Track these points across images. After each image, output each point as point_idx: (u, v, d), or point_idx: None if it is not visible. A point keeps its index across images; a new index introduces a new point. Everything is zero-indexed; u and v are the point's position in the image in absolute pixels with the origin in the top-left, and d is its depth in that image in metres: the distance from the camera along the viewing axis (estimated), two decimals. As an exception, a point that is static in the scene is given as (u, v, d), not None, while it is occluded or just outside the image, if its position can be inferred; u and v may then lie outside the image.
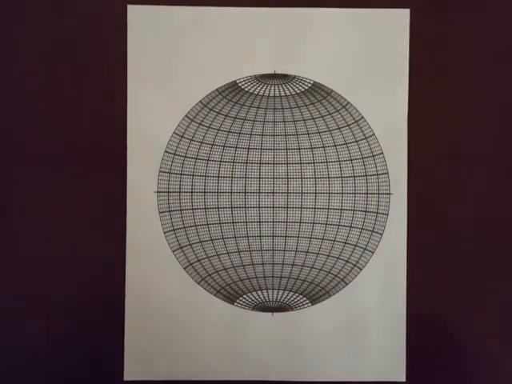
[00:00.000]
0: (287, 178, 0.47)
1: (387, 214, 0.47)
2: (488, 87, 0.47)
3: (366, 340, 0.47)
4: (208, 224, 0.47)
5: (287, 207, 0.47)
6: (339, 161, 0.47)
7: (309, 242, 0.47)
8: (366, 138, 0.47)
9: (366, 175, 0.47)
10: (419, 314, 0.47)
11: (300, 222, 0.47)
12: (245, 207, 0.46)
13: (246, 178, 0.47)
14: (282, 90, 0.47)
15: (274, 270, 0.47)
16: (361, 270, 0.47)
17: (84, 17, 0.47)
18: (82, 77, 0.47)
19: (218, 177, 0.47)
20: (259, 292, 0.47)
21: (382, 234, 0.47)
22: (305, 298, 0.47)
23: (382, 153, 0.47)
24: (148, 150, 0.47)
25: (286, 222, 0.47)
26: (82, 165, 0.47)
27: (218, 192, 0.47)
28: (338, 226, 0.47)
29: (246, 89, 0.47)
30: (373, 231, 0.47)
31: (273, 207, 0.47)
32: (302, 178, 0.47)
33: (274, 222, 0.47)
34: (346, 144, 0.47)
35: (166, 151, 0.47)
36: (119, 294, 0.46)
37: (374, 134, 0.47)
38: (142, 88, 0.47)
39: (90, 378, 0.47)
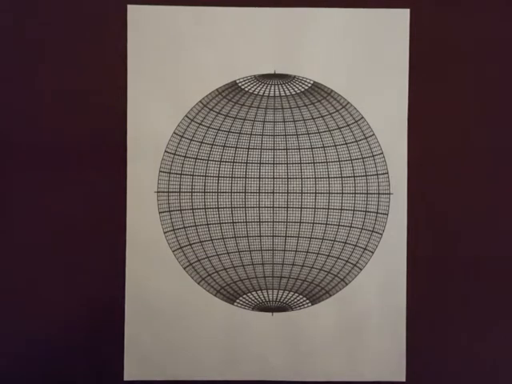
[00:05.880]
0: (287, 178, 0.47)
1: (387, 214, 0.47)
2: (488, 87, 0.47)
3: (365, 340, 0.47)
4: (208, 224, 0.47)
5: (287, 207, 0.47)
6: (339, 161, 0.47)
7: (309, 242, 0.47)
8: (365, 138, 0.47)
9: (365, 175, 0.47)
10: (419, 314, 0.47)
11: (300, 222, 0.47)
12: (245, 207, 0.46)
13: (246, 177, 0.47)
14: (282, 89, 0.47)
15: (274, 270, 0.47)
16: (361, 270, 0.47)
17: (84, 17, 0.47)
18: (82, 77, 0.47)
19: (218, 177, 0.47)
20: (259, 292, 0.47)
21: (381, 234, 0.47)
22: (305, 298, 0.47)
23: (382, 153, 0.47)
24: (148, 150, 0.47)
25: (286, 222, 0.47)
26: (81, 165, 0.47)
27: (218, 192, 0.47)
28: (338, 225, 0.47)
29: (246, 89, 0.47)
30: (373, 231, 0.47)
31: (273, 207, 0.46)
32: (301, 178, 0.47)
33: (273, 222, 0.47)
34: (346, 144, 0.47)
35: (165, 151, 0.47)
36: (119, 294, 0.46)
37: (373, 134, 0.47)
38: (141, 88, 0.47)
39: (90, 377, 0.47)
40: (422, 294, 0.47)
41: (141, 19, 0.47)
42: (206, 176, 0.47)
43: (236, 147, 0.47)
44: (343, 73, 0.47)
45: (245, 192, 0.47)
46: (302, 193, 0.47)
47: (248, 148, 0.47)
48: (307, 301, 0.47)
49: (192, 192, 0.47)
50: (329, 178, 0.47)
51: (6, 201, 0.47)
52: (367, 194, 0.47)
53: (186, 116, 0.47)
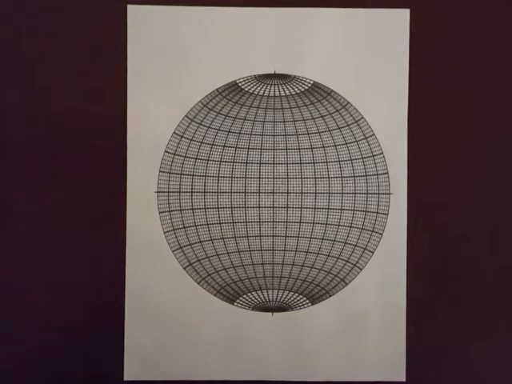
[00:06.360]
0: (287, 178, 0.47)
1: (387, 214, 0.47)
2: (488, 87, 0.47)
3: (366, 340, 0.47)
4: (208, 224, 0.47)
5: (287, 207, 0.47)
6: (339, 161, 0.47)
7: (309, 242, 0.47)
8: (365, 138, 0.47)
9: (365, 175, 0.47)
10: (419, 313, 0.47)
11: (300, 222, 0.47)
12: (245, 207, 0.46)
13: (245, 177, 0.47)
14: (281, 89, 0.47)
15: (274, 270, 0.47)
16: (361, 269, 0.47)
17: (84, 17, 0.47)
18: (82, 77, 0.47)
19: (218, 177, 0.47)
20: (259, 292, 0.47)
21: (381, 234, 0.47)
22: (305, 298, 0.47)
23: (382, 153, 0.47)
24: (148, 150, 0.47)
25: (286, 222, 0.47)
26: (81, 165, 0.47)
27: (218, 192, 0.47)
28: (338, 225, 0.47)
29: (246, 89, 0.47)
30: (373, 231, 0.47)
31: (273, 207, 0.47)
32: (301, 178, 0.47)
33: (273, 221, 0.47)
34: (346, 144, 0.47)
35: (165, 151, 0.47)
36: (119, 293, 0.46)
37: (373, 134, 0.47)
38: (141, 88, 0.47)
39: (90, 377, 0.47)
40: (422, 294, 0.47)
41: (141, 19, 0.47)
42: (205, 176, 0.47)
43: (236, 147, 0.47)
44: (343, 73, 0.47)
45: (245, 192, 0.47)
46: (301, 193, 0.47)
47: (248, 148, 0.47)
48: (307, 301, 0.47)
49: (192, 192, 0.47)
50: (329, 178, 0.47)
51: (6, 201, 0.47)
52: (367, 194, 0.47)
53: (186, 116, 0.47)
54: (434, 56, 0.47)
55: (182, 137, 0.47)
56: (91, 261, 0.46)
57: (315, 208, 0.47)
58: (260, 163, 0.47)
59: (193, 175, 0.47)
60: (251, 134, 0.47)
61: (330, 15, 0.47)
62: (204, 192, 0.47)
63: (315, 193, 0.47)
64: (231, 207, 0.46)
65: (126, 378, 0.47)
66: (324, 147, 0.47)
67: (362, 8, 0.47)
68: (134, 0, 0.47)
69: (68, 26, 0.47)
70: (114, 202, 0.46)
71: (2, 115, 0.47)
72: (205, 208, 0.47)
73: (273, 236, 0.47)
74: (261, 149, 0.47)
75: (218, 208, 0.47)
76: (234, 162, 0.47)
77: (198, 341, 0.47)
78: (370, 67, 0.47)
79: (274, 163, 0.47)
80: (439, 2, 0.47)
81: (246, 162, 0.47)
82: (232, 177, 0.47)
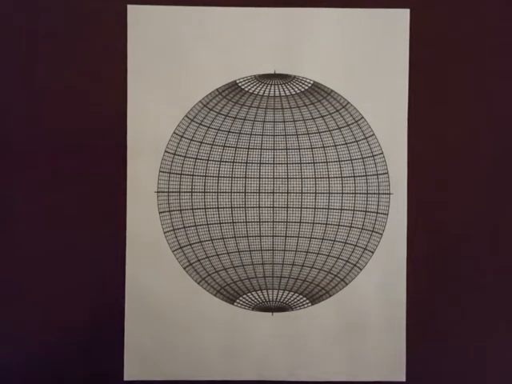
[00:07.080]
0: (287, 178, 0.47)
1: (387, 214, 0.47)
2: (488, 87, 0.47)
3: (365, 340, 0.47)
4: (208, 224, 0.47)
5: (287, 207, 0.47)
6: (339, 161, 0.47)
7: (309, 242, 0.47)
8: (365, 138, 0.47)
9: (366, 175, 0.47)
10: (419, 313, 0.47)
11: (300, 222, 0.47)
12: (245, 207, 0.46)
13: (245, 177, 0.47)
14: (281, 89, 0.47)
15: (274, 270, 0.47)
16: (361, 269, 0.47)
17: (84, 17, 0.47)
18: (82, 77, 0.47)
19: (218, 177, 0.47)
20: (259, 292, 0.47)
21: (381, 234, 0.47)
22: (305, 298, 0.47)
23: (382, 153, 0.47)
24: (148, 150, 0.47)
25: (286, 222, 0.47)
26: (81, 165, 0.47)
27: (217, 192, 0.47)
28: (338, 225, 0.47)
29: (246, 89, 0.47)
30: (373, 231, 0.47)
31: (273, 207, 0.47)
32: (301, 178, 0.47)
33: (273, 221, 0.47)
34: (346, 144, 0.47)
35: (165, 151, 0.47)
36: (119, 293, 0.46)
37: (373, 134, 0.47)
38: (141, 88, 0.47)
39: (90, 377, 0.47)
40: (422, 294, 0.47)
41: (141, 19, 0.47)
42: (205, 176, 0.47)
43: (236, 147, 0.47)
44: (343, 73, 0.47)
45: (245, 192, 0.47)
46: (301, 193, 0.47)
47: (248, 148, 0.47)
48: (307, 301, 0.47)
49: (192, 192, 0.47)
50: (329, 178, 0.47)
51: (6, 201, 0.47)
52: (367, 194, 0.47)
53: (186, 116, 0.47)
54: (433, 56, 0.47)
55: (181, 137, 0.47)
56: (91, 261, 0.46)
57: (315, 208, 0.47)
58: (260, 163, 0.47)
59: (193, 175, 0.47)
60: (251, 134, 0.47)
61: (329, 15, 0.47)
62: (204, 192, 0.47)
63: (315, 193, 0.47)
64: (231, 207, 0.46)
65: (125, 378, 0.47)
66: (324, 147, 0.47)
67: (362, 8, 0.47)
68: (133, 0, 0.47)
69: (68, 26, 0.47)
70: (114, 202, 0.46)
71: (2, 115, 0.47)
72: (205, 208, 0.47)
73: (273, 236, 0.47)
74: (261, 149, 0.47)
75: (218, 208, 0.47)
76: (233, 162, 0.47)
77: (198, 341, 0.47)
78: (370, 67, 0.47)
79: (273, 163, 0.47)
80: (439, 1, 0.47)
81: (246, 162, 0.47)
82: (232, 177, 0.47)
